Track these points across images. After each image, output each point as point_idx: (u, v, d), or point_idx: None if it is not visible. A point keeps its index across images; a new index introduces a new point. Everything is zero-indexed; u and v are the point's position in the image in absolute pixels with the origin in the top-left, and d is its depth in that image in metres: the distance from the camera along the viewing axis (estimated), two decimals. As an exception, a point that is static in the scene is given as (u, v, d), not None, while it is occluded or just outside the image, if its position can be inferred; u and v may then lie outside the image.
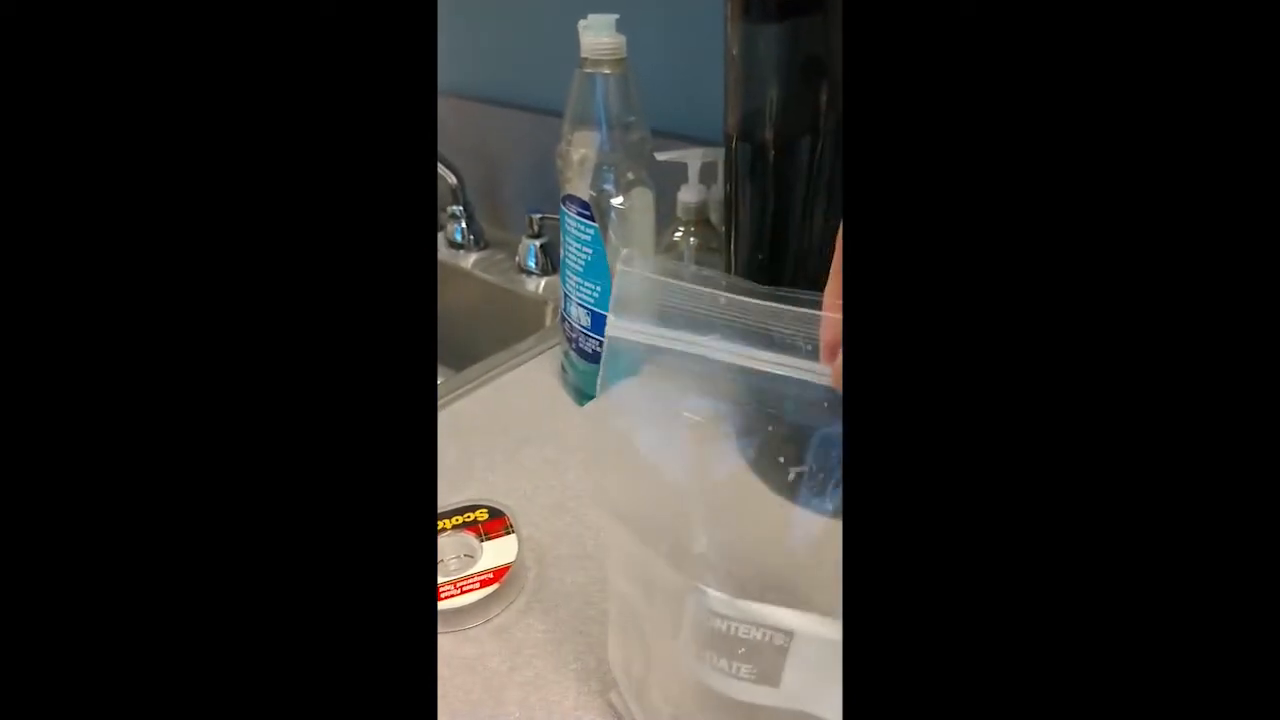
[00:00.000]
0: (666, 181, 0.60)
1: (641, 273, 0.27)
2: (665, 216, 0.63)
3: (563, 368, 0.63)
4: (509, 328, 0.79)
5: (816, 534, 0.29)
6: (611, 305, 0.28)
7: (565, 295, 0.60)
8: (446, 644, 0.38)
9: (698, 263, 0.62)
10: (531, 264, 0.82)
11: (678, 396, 0.29)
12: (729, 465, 0.30)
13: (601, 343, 0.59)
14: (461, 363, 0.69)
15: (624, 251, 0.28)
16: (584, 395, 0.60)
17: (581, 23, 0.51)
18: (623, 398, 0.29)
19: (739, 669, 0.27)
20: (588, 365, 0.60)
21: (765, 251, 0.47)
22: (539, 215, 0.81)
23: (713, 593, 0.27)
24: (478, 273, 0.86)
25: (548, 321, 0.79)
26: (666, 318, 0.27)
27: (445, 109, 0.90)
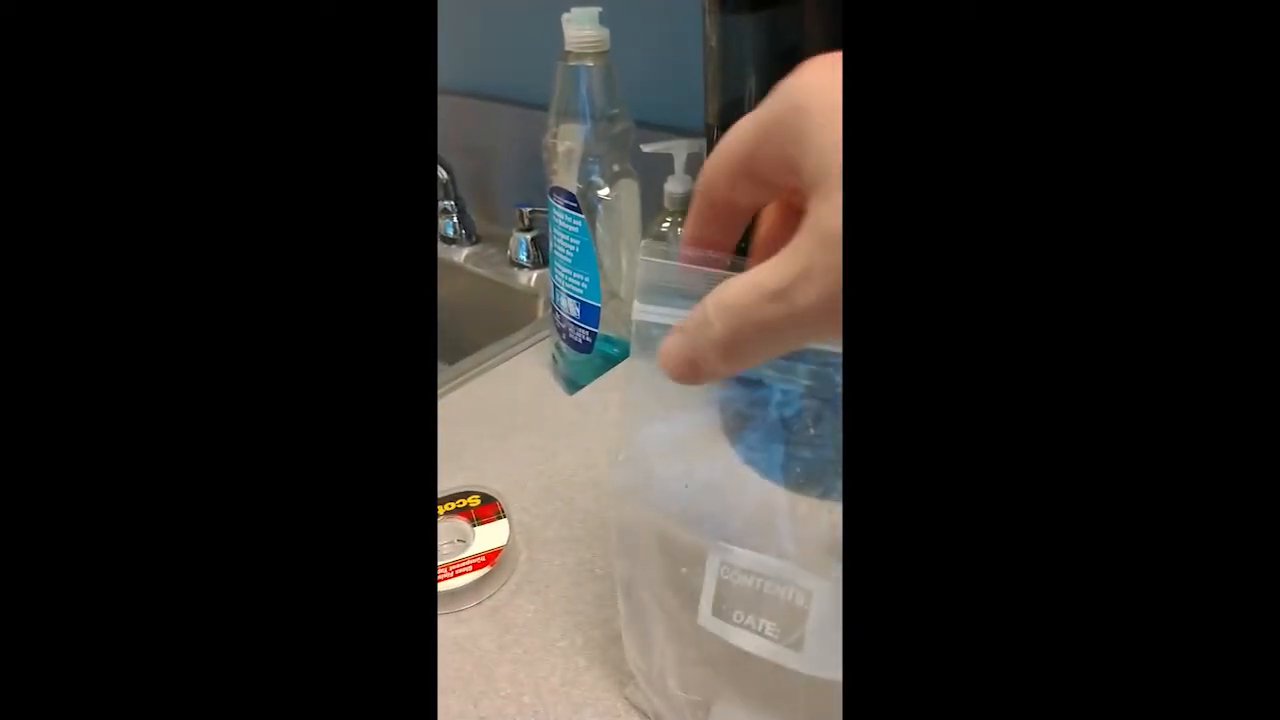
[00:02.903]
0: (653, 172, 0.61)
1: (662, 261, 0.28)
2: (653, 207, 0.64)
3: (553, 358, 0.64)
4: (501, 321, 0.80)
5: (803, 513, 0.30)
6: (637, 292, 0.29)
7: (554, 287, 0.60)
8: (440, 625, 0.39)
9: (685, 253, 0.63)
10: (523, 257, 0.83)
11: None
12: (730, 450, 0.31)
13: (591, 333, 0.60)
14: (455, 356, 0.70)
15: (644, 241, 0.30)
16: (575, 385, 0.61)
17: (565, 16, 0.52)
18: (643, 376, 0.30)
19: (764, 626, 0.28)
20: (578, 355, 0.60)
21: (745, 239, 0.48)
22: (529, 209, 0.82)
23: (737, 549, 0.28)
24: (470, 267, 0.87)
25: (539, 314, 0.80)
26: (686, 299, 0.28)
27: (435, 105, 0.91)
